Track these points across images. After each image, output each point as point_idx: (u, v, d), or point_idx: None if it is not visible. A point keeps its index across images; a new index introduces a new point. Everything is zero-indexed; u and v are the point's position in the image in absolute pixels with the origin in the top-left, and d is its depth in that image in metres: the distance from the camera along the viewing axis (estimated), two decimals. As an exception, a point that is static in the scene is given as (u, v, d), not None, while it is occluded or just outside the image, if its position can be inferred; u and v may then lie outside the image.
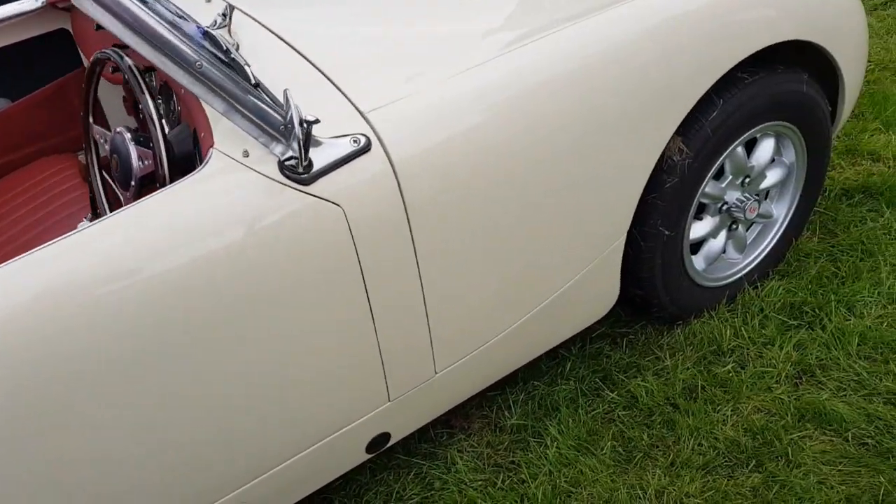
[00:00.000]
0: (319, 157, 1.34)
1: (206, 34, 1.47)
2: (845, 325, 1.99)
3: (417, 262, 1.48)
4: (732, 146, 1.88)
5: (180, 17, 1.35)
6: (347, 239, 1.37)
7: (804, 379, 1.90)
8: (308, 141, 1.29)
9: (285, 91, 1.26)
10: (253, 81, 1.36)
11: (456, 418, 1.96)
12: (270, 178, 1.31)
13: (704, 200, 1.95)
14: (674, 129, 1.72)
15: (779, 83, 1.87)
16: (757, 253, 2.15)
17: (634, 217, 1.81)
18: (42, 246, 1.22)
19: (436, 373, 1.65)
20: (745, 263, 2.14)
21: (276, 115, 1.29)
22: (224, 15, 1.64)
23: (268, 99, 1.30)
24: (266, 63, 1.51)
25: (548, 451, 1.83)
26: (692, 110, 1.77)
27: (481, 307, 1.64)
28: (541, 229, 1.63)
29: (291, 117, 1.26)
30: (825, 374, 1.90)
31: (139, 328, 1.24)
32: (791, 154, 2.06)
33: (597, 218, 1.72)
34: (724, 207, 2.00)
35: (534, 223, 1.61)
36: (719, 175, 1.96)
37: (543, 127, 1.53)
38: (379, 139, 1.39)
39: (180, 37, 1.24)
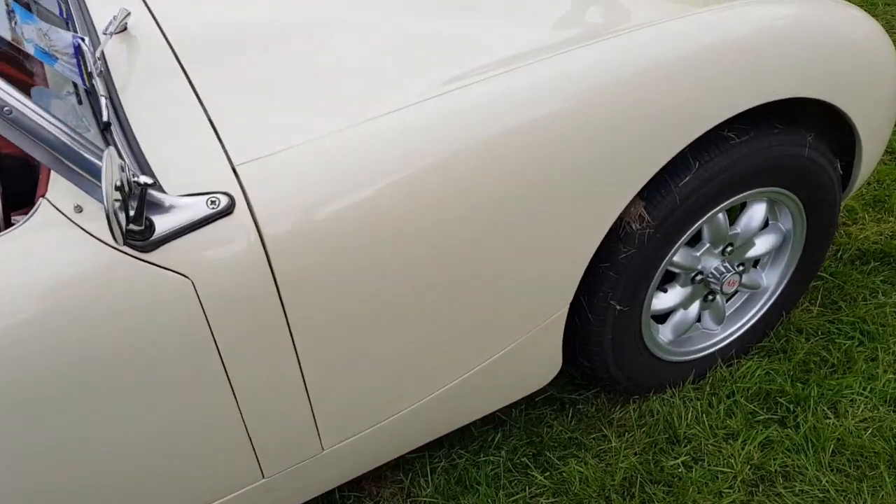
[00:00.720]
0: (167, 221, 1.13)
1: (78, 49, 1.27)
2: (823, 425, 1.72)
3: (293, 339, 1.27)
4: (709, 214, 1.60)
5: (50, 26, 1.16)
6: (198, 314, 1.17)
7: (761, 488, 1.65)
8: (142, 204, 1.07)
9: (107, 150, 1.04)
10: (104, 120, 1.15)
11: (367, 481, 1.76)
12: (100, 240, 1.10)
13: (674, 269, 1.68)
14: (634, 192, 1.46)
15: (774, 145, 1.57)
16: (738, 325, 1.88)
17: (582, 285, 1.57)
18: None
19: (323, 449, 1.45)
20: (722, 336, 1.88)
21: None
22: (116, 17, 1.42)
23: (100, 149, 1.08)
24: (151, 90, 1.30)
25: (457, 536, 1.63)
26: (660, 171, 1.51)
27: (378, 383, 1.42)
28: (458, 302, 1.40)
29: (124, 178, 1.04)
30: (787, 484, 1.65)
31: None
32: (788, 221, 1.77)
33: (532, 288, 1.47)
34: (698, 278, 1.73)
35: (448, 296, 1.38)
36: (694, 240, 1.70)
37: (470, 182, 1.29)
38: (246, 199, 1.17)
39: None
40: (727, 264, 1.73)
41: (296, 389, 1.33)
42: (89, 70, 1.24)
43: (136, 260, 1.11)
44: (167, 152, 1.20)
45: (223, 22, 1.53)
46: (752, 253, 1.77)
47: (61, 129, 1.05)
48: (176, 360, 1.19)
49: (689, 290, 1.74)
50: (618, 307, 1.60)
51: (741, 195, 1.61)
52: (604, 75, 1.35)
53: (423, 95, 1.29)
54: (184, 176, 1.17)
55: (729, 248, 1.72)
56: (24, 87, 1.41)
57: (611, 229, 1.54)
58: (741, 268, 1.76)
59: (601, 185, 1.40)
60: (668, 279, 1.73)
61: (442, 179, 1.26)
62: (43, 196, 1.12)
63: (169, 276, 1.13)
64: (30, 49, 1.15)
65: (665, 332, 1.80)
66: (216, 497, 1.40)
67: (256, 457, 1.38)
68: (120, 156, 1.08)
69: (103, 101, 1.19)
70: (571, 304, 1.55)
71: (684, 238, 1.59)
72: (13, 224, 1.16)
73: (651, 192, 1.52)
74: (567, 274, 1.50)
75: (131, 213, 1.06)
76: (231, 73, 1.37)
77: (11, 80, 1.48)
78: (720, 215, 1.65)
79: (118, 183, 1.02)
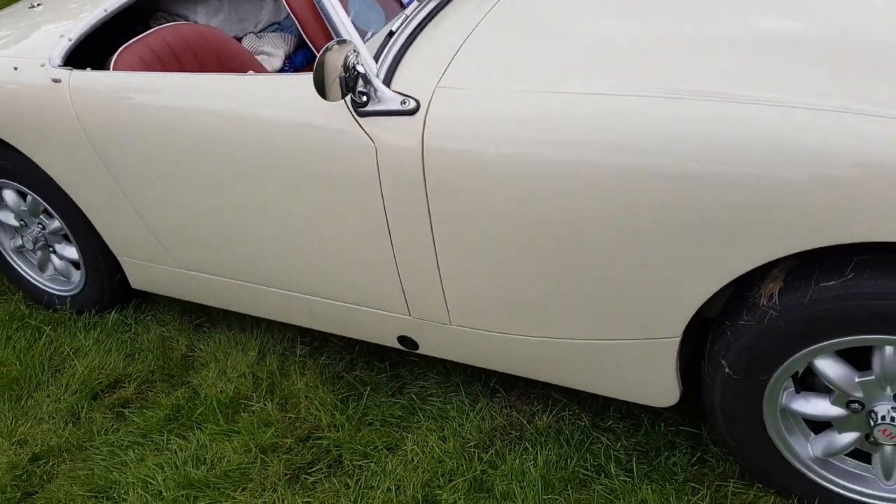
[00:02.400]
0: (373, 103, 1.67)
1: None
2: None
3: (432, 228, 1.71)
4: (847, 338, 1.41)
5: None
6: (374, 171, 1.71)
7: None
8: (355, 83, 1.63)
9: (349, 43, 1.60)
10: (391, 29, 1.73)
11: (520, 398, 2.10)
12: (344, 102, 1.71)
13: (825, 379, 1.52)
14: (755, 263, 1.41)
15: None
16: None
17: (709, 333, 1.59)
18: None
19: (451, 323, 1.88)
20: (886, 494, 1.59)
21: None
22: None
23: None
24: (452, 17, 1.81)
25: None
26: (814, 261, 1.41)
27: (500, 296, 1.74)
28: (583, 270, 1.59)
29: (349, 62, 1.61)
30: None
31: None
32: None
33: (649, 297, 1.56)
34: (856, 406, 1.51)
35: (577, 260, 1.59)
36: (867, 363, 1.49)
37: (633, 181, 1.44)
38: (427, 110, 1.63)
39: None
40: (898, 411, 1.47)
41: (430, 266, 1.78)
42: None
43: (352, 118, 1.70)
44: (416, 58, 1.72)
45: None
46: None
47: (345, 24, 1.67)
48: (361, 194, 1.76)
49: (840, 412, 1.54)
50: (727, 370, 1.57)
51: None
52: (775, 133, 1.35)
53: (638, 91, 1.47)
54: (408, 77, 1.69)
55: (906, 392, 1.46)
56: None
57: (744, 290, 1.52)
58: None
59: (726, 239, 1.42)
60: (821, 387, 1.56)
61: (613, 170, 1.45)
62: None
63: (364, 138, 1.69)
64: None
65: (815, 445, 1.63)
66: (374, 305, 1.96)
67: (405, 295, 1.89)
68: (355, 50, 1.64)
69: (403, 16, 1.75)
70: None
71: (816, 346, 1.45)
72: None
73: (796, 277, 1.44)
74: (679, 303, 1.56)
75: (351, 85, 1.64)
76: (521, 19, 1.77)
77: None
78: (890, 350, 1.42)
79: (345, 63, 1.60)
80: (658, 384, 1.72)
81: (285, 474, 2.01)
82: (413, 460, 1.98)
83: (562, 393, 2.08)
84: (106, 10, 2.35)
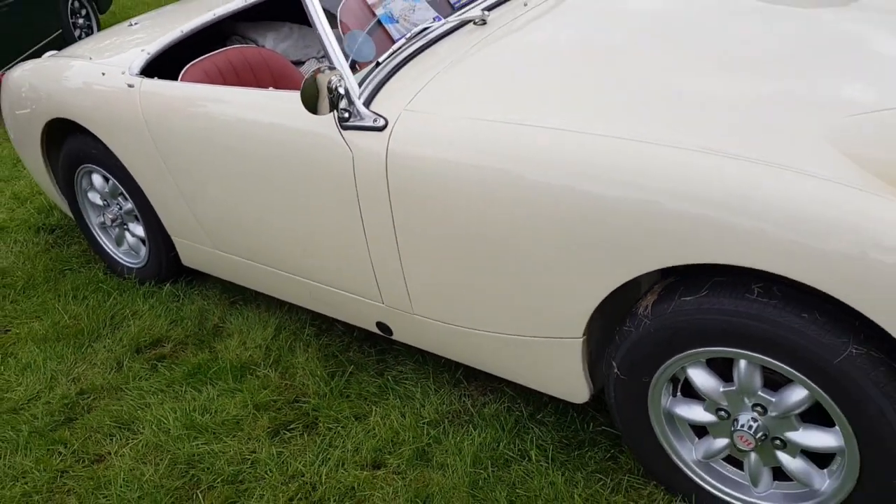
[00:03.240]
0: (353, 119, 2.02)
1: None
2: None
3: (394, 226, 2.04)
4: (700, 350, 1.63)
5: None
6: (352, 175, 2.05)
7: None
8: (337, 100, 1.98)
9: (335, 71, 1.97)
10: (381, 57, 2.09)
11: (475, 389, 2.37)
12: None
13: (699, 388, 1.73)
14: (629, 276, 1.66)
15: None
16: (781, 507, 1.73)
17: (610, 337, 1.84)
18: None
19: (413, 313, 2.19)
20: (754, 500, 1.77)
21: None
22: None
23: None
24: (448, 44, 2.15)
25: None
26: (684, 278, 1.64)
27: (445, 293, 2.05)
28: (503, 270, 1.89)
29: (332, 84, 1.97)
30: None
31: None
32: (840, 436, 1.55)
33: (550, 300, 1.83)
34: (723, 415, 1.71)
35: (499, 260, 1.89)
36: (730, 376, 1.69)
37: (542, 198, 1.73)
38: (393, 128, 1.96)
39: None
40: (755, 423, 1.66)
41: (394, 258, 2.11)
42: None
43: (338, 129, 2.06)
44: (395, 85, 2.06)
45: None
46: (796, 438, 1.63)
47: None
48: (343, 193, 2.11)
49: (711, 418, 1.74)
50: (616, 370, 1.80)
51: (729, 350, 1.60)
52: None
53: (555, 125, 1.76)
54: (384, 100, 2.03)
55: (759, 409, 1.65)
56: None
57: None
58: (776, 441, 1.65)
59: (606, 254, 1.68)
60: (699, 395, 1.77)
61: (528, 188, 1.74)
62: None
63: (345, 147, 2.04)
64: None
65: (697, 448, 1.83)
66: (355, 291, 2.30)
67: (377, 284, 2.22)
68: (341, 77, 1.99)
69: (391, 50, 2.10)
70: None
71: (683, 355, 1.67)
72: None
73: (668, 291, 1.67)
74: (576, 306, 1.81)
75: (336, 103, 2.00)
76: (490, 61, 2.08)
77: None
78: (743, 363, 1.62)
79: (328, 85, 1.96)
80: (568, 382, 1.97)
81: (268, 428, 2.37)
82: (374, 429, 2.29)
83: (514, 388, 2.34)
84: (182, 31, 2.83)
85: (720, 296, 1.59)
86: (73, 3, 7.12)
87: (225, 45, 3.20)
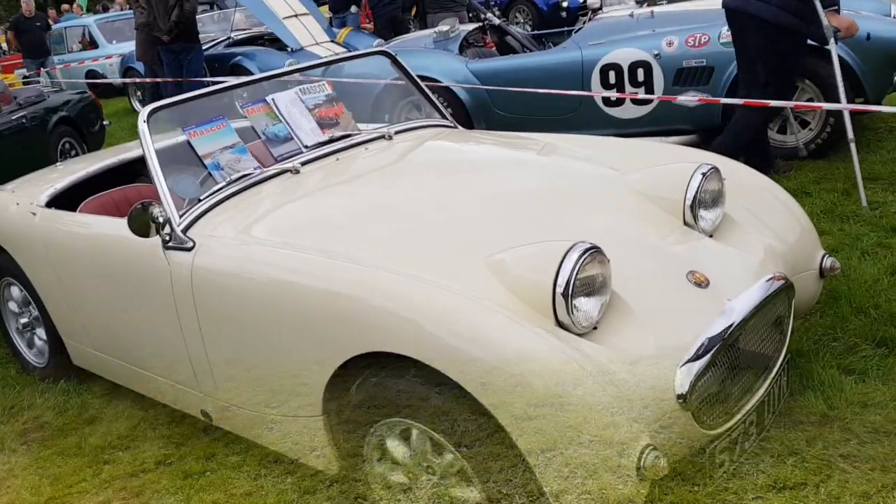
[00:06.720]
0: (171, 242, 2.62)
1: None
2: None
3: (200, 329, 2.59)
4: None
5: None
6: (169, 284, 2.63)
7: None
8: (159, 228, 2.59)
9: (154, 203, 2.60)
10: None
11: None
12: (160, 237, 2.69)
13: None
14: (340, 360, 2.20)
15: None
16: None
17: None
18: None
19: (219, 399, 2.70)
20: None
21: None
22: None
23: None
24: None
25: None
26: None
27: (233, 375, 2.58)
28: (266, 347, 2.44)
29: (154, 214, 2.59)
30: None
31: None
32: None
33: (295, 381, 2.36)
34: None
35: (260, 339, 2.44)
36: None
37: (277, 298, 2.36)
38: (194, 244, 2.56)
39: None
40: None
41: (202, 351, 2.64)
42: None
43: (162, 249, 2.65)
44: (210, 216, 2.67)
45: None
46: None
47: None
48: (167, 300, 2.68)
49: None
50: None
51: None
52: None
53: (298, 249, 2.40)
54: (199, 227, 2.63)
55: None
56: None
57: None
58: None
59: (318, 343, 2.23)
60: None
61: (276, 291, 2.36)
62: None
63: (165, 263, 2.64)
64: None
65: None
66: (181, 382, 2.82)
67: (195, 373, 2.74)
68: (163, 210, 2.61)
69: (212, 189, 2.73)
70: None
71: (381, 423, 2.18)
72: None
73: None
74: (310, 388, 2.32)
75: (158, 229, 2.60)
76: (309, 191, 2.70)
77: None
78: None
79: (151, 216, 2.58)
80: (322, 454, 2.45)
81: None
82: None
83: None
84: (87, 171, 3.52)
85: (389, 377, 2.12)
86: (63, 144, 8.01)
87: (133, 183, 3.89)
